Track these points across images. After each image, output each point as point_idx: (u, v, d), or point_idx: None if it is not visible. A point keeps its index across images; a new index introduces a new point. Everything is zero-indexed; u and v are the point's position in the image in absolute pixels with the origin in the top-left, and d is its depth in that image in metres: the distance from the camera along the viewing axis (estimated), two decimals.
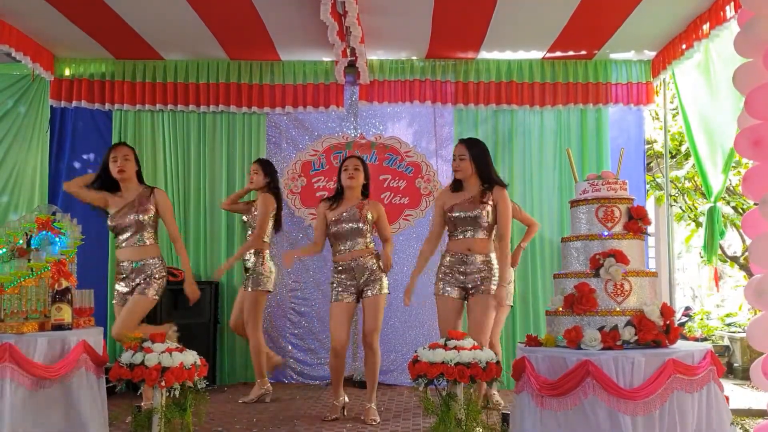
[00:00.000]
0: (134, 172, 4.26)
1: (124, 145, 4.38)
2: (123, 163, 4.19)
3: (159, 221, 4.28)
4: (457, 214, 4.08)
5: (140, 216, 4.15)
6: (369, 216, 4.43)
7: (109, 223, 4.22)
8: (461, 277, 4.06)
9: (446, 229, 4.24)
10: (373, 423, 4.28)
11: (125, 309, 4.13)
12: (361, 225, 4.39)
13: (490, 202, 4.08)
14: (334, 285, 4.42)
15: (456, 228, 4.11)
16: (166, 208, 4.23)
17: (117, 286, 4.20)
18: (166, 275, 4.27)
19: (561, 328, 2.91)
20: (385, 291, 4.44)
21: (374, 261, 4.42)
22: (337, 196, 4.53)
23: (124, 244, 4.19)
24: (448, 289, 4.09)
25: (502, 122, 6.01)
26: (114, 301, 4.23)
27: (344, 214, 4.41)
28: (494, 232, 4.15)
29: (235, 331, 5.29)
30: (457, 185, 4.19)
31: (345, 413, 4.47)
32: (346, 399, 4.53)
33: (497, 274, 4.08)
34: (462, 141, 4.23)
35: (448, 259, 4.14)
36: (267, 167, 5.21)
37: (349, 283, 4.38)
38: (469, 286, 4.06)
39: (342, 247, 4.41)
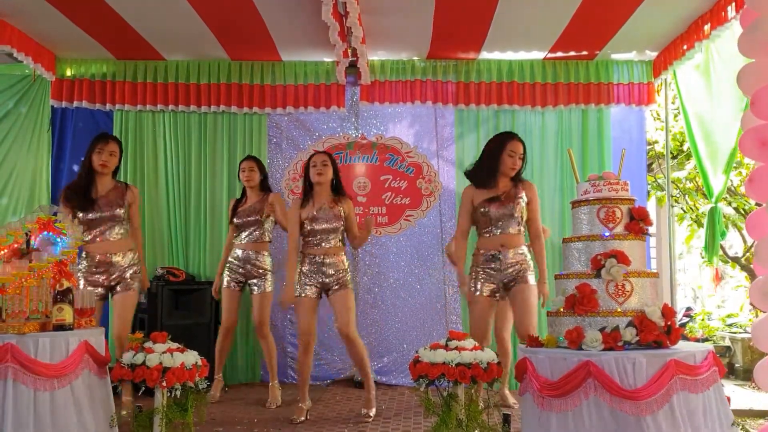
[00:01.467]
0: (114, 168, 4.32)
1: (113, 139, 4.38)
2: (108, 158, 4.25)
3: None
4: (489, 210, 4.07)
5: (116, 210, 4.19)
6: (342, 213, 4.41)
7: (81, 215, 4.22)
8: (495, 275, 4.06)
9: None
10: (369, 417, 4.31)
11: (120, 309, 4.19)
12: (335, 224, 4.36)
13: (523, 197, 4.09)
14: (300, 277, 4.37)
15: (489, 224, 4.09)
16: (137, 203, 4.43)
17: (89, 280, 4.21)
18: (140, 266, 4.38)
19: (562, 328, 2.91)
20: (351, 286, 4.39)
21: (342, 260, 4.40)
22: (306, 194, 4.48)
23: (98, 239, 4.20)
24: (482, 288, 4.08)
25: (504, 123, 6.00)
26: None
27: (318, 212, 4.37)
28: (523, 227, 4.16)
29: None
30: (491, 181, 4.14)
31: (308, 416, 4.44)
32: (311, 403, 4.53)
33: (533, 266, 4.10)
34: (518, 137, 4.20)
35: (480, 258, 4.12)
36: (261, 164, 5.24)
37: (313, 277, 4.34)
38: (506, 280, 4.07)
39: (314, 242, 4.37)
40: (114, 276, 4.24)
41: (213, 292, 5.23)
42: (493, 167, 4.15)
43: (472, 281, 4.15)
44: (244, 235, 5.11)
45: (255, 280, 5.04)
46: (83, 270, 4.25)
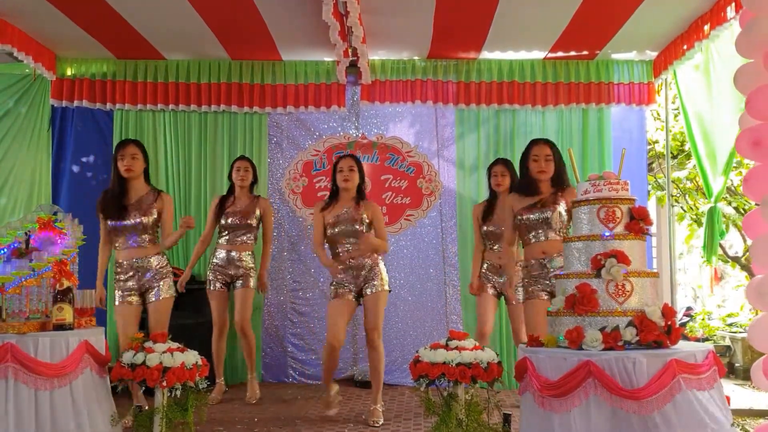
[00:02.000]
0: (142, 171, 4.27)
1: (132, 142, 4.33)
2: (130, 162, 4.20)
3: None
4: (527, 217, 3.96)
5: (143, 218, 4.17)
6: (364, 216, 4.40)
7: (109, 223, 4.22)
8: (547, 281, 3.92)
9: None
10: (376, 425, 4.25)
11: (157, 316, 4.20)
12: (357, 227, 4.35)
13: (562, 203, 3.96)
14: (334, 284, 4.41)
15: (528, 232, 3.99)
16: (169, 211, 4.32)
17: (119, 290, 4.22)
18: (171, 270, 4.34)
19: (562, 328, 2.91)
20: (386, 287, 4.40)
21: (372, 258, 4.40)
22: (331, 197, 4.49)
23: (125, 246, 4.20)
24: (539, 292, 3.94)
25: (504, 122, 6.01)
26: (117, 303, 4.23)
27: (341, 215, 4.38)
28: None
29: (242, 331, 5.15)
30: (529, 189, 4.01)
31: (338, 401, 4.48)
32: (337, 387, 4.52)
33: None
34: (543, 141, 4.06)
35: (527, 268, 4.01)
36: (254, 165, 5.22)
37: (349, 283, 4.36)
38: (551, 289, 3.90)
39: (340, 249, 4.39)
40: (143, 281, 4.22)
41: (179, 286, 4.86)
42: (527, 175, 4.04)
43: (524, 286, 4.01)
44: (230, 236, 5.07)
45: (238, 278, 5.05)
46: (117, 278, 4.25)
